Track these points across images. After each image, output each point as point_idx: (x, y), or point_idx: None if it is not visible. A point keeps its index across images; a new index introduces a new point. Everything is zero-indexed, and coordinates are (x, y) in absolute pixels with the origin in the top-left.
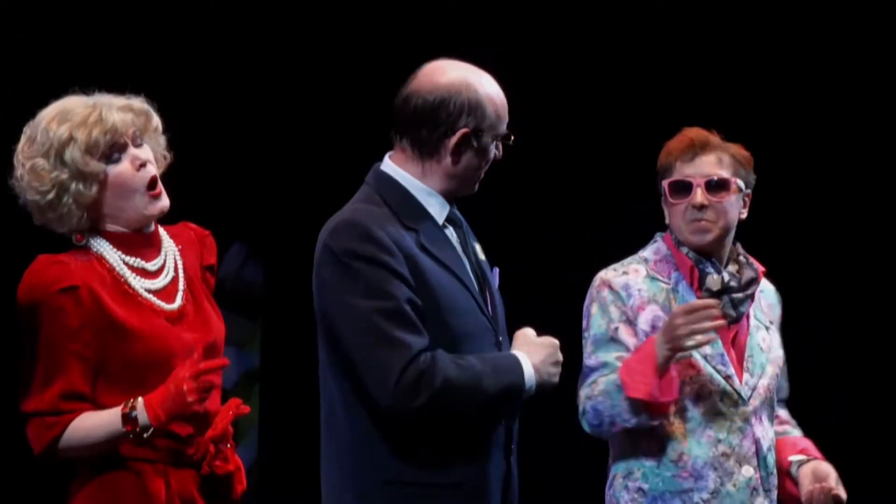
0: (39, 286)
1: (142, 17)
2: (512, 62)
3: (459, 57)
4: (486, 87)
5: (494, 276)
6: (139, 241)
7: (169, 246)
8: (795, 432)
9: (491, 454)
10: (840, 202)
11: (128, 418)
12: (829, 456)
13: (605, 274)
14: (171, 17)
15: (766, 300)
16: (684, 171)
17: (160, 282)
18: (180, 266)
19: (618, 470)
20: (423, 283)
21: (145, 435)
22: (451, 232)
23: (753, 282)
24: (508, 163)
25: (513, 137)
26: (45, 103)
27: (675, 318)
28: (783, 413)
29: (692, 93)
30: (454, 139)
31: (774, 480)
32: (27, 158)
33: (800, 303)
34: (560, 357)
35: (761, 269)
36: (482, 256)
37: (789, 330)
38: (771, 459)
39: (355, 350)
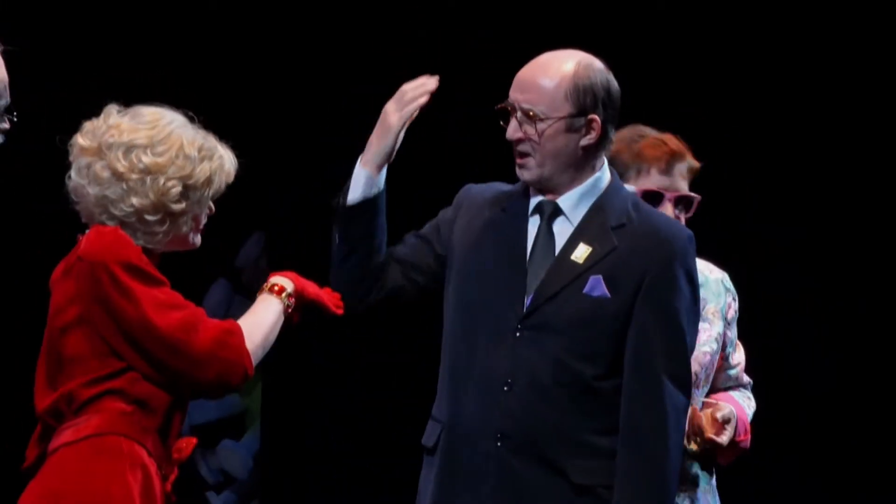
0: (122, 242)
1: (147, 9)
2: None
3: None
4: None
5: (591, 282)
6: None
7: None
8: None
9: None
10: (840, 203)
11: (273, 288)
12: (828, 455)
13: None
14: (174, 9)
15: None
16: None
17: None
18: None
19: None
20: (465, 245)
21: (293, 300)
22: (534, 220)
23: None
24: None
25: None
26: (43, 100)
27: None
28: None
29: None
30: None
31: None
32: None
33: (799, 302)
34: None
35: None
36: (576, 257)
37: (789, 331)
38: None
39: None
